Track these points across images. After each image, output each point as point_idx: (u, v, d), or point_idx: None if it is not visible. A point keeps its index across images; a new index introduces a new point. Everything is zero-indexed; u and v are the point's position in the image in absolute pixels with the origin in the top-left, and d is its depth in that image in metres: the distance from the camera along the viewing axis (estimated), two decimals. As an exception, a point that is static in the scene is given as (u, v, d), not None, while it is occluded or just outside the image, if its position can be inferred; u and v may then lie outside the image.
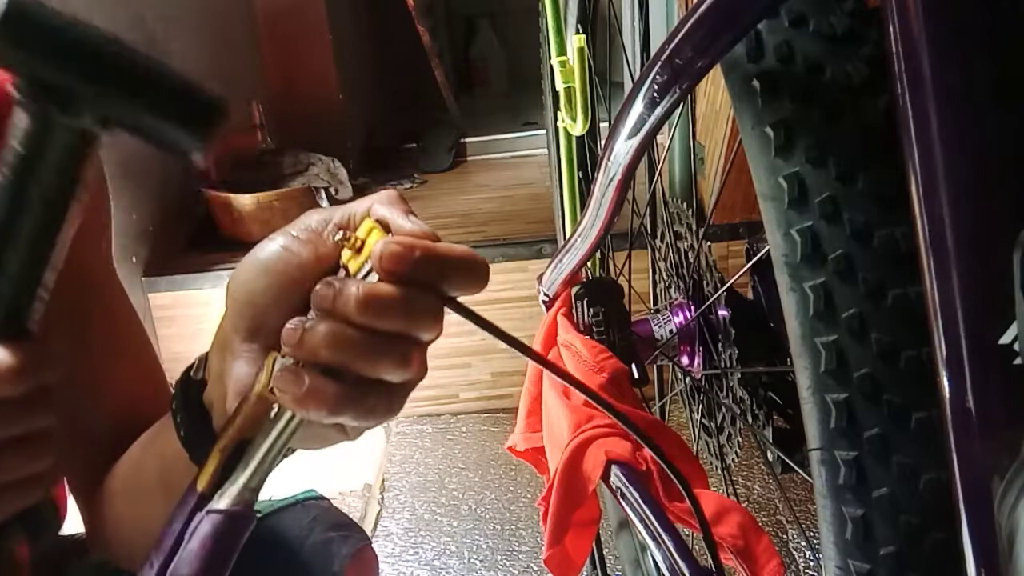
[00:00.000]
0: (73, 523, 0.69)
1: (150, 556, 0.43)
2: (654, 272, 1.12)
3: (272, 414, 0.42)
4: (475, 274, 0.39)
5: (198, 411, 0.47)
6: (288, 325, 0.40)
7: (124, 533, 0.60)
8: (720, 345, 0.92)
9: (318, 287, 0.39)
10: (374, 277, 0.39)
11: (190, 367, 0.49)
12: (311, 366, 0.39)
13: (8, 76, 0.36)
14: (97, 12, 1.64)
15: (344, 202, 0.50)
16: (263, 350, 0.43)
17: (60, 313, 0.61)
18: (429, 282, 0.38)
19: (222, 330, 0.45)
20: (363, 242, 0.40)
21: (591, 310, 0.88)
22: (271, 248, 0.42)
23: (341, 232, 0.41)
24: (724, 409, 0.95)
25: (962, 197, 0.35)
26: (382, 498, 1.58)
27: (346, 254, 0.41)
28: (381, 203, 0.42)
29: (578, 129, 1.01)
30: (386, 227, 0.40)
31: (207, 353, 0.48)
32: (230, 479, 0.42)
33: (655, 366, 1.14)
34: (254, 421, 0.42)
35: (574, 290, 0.91)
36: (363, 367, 0.39)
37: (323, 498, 0.71)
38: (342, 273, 0.41)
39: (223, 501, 0.42)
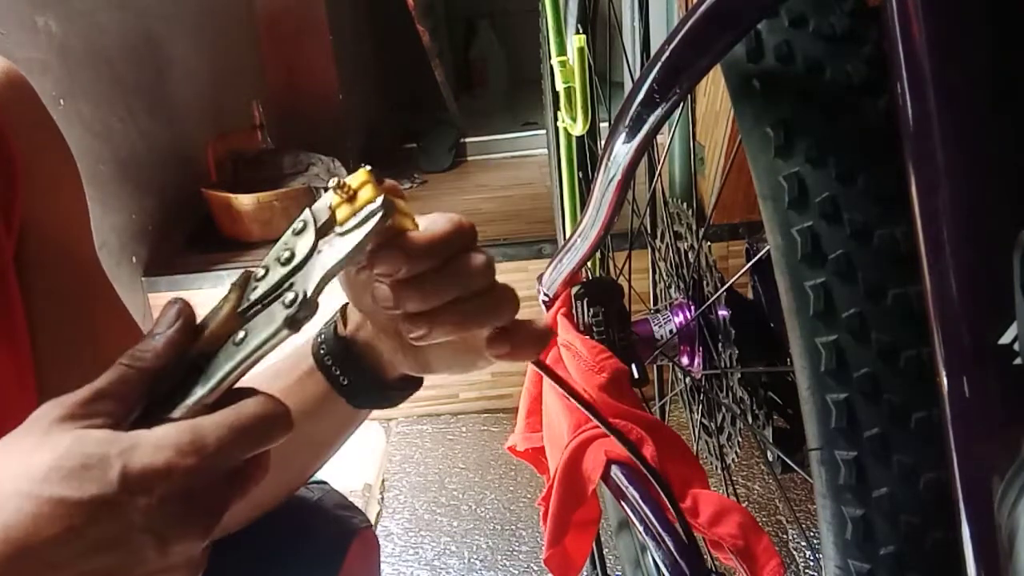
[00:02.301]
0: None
1: None
2: (654, 272, 1.12)
3: (237, 339, 0.41)
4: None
5: (355, 361, 0.55)
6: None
7: None
8: (720, 345, 0.92)
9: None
10: (364, 229, 0.40)
11: (326, 323, 0.56)
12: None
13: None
14: (99, 12, 1.64)
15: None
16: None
17: (68, 301, 0.62)
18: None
19: None
20: (355, 191, 0.41)
21: (591, 310, 0.88)
22: None
23: (335, 179, 0.42)
24: (724, 409, 0.95)
25: (962, 197, 0.35)
26: (382, 498, 1.58)
27: (335, 199, 0.42)
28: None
29: (578, 129, 1.01)
30: (380, 181, 0.42)
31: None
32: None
33: (655, 366, 1.14)
34: (217, 339, 0.42)
35: (574, 290, 0.91)
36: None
37: (324, 482, 0.73)
38: (326, 215, 0.42)
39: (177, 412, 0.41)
